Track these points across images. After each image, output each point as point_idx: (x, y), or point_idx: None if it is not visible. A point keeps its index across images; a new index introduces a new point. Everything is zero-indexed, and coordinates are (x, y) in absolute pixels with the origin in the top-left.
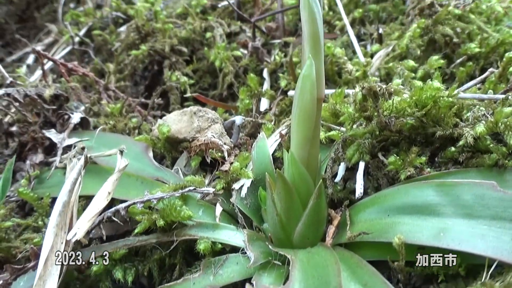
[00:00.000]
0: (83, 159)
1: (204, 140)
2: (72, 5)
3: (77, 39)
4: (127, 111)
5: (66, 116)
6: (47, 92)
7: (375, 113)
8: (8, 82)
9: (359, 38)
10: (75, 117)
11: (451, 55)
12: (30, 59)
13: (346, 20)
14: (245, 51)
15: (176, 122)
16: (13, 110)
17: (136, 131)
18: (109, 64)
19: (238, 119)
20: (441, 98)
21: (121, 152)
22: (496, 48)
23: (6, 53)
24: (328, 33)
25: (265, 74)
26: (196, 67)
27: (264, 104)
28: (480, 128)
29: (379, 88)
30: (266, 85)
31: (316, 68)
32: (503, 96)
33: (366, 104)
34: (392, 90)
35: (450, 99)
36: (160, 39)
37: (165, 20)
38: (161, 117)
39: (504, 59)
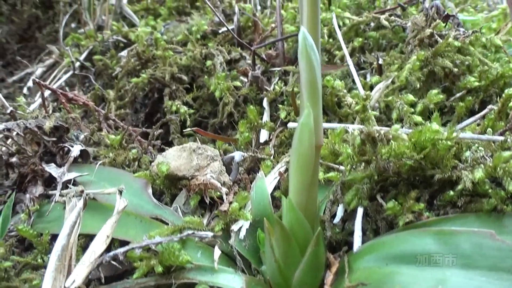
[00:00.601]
0: (82, 202)
1: (203, 180)
2: (73, 25)
3: (78, 63)
4: (127, 141)
5: (66, 149)
6: (47, 124)
7: (374, 157)
8: (8, 111)
9: (359, 66)
10: (75, 150)
11: (451, 86)
12: (31, 82)
13: (345, 51)
14: (245, 79)
15: (175, 158)
16: (13, 145)
17: (136, 163)
18: (110, 91)
19: (237, 156)
20: (440, 141)
21: (120, 192)
22: (495, 81)
23: (7, 73)
24: (327, 65)
25: (265, 103)
26: (196, 95)
27: (263, 135)
28: (479, 173)
29: (377, 134)
30: (266, 115)
31: (314, 117)
32: (502, 138)
33: (364, 148)
34: (391, 136)
35: (449, 142)
36: (160, 67)
37: (165, 46)
38: (160, 147)
39: (503, 95)
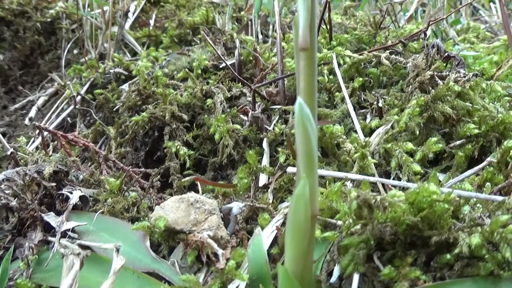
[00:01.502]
0: (79, 263)
1: (200, 238)
2: (75, 51)
3: (79, 97)
4: (126, 184)
5: (65, 195)
6: (47, 170)
7: (370, 222)
8: (8, 153)
9: (359, 105)
10: (74, 197)
11: (451, 130)
12: (33, 112)
13: (345, 93)
14: (245, 117)
15: (173, 210)
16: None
17: (135, 208)
18: (110, 128)
19: (235, 208)
20: (437, 203)
21: (117, 250)
22: (495, 127)
23: (9, 99)
24: (322, 120)
25: (265, 144)
26: (196, 133)
27: (262, 179)
28: (476, 239)
29: (373, 200)
30: (266, 158)
31: (310, 187)
32: (500, 198)
33: (361, 212)
34: (387, 203)
35: (446, 205)
36: (160, 105)
37: (166, 83)
38: (160, 189)
39: (503, 147)
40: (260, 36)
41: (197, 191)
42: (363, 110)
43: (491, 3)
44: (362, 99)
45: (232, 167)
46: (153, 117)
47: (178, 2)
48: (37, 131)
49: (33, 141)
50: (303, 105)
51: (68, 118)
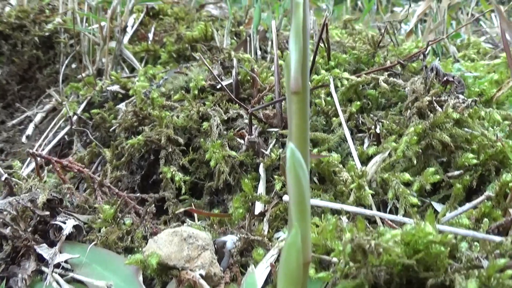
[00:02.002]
0: None
1: (192, 277)
2: (74, 65)
3: (75, 117)
4: (121, 210)
5: (58, 226)
6: (40, 199)
7: (364, 265)
8: (3, 178)
9: (357, 128)
10: (68, 227)
11: (449, 157)
12: (30, 129)
13: (342, 119)
14: (242, 141)
15: (166, 244)
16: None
17: (129, 237)
18: (106, 151)
19: (229, 243)
20: (433, 244)
21: None
22: (494, 156)
23: (7, 114)
24: (315, 154)
25: (261, 170)
26: (192, 157)
27: (258, 207)
28: (472, 284)
29: (368, 245)
30: (262, 184)
31: (302, 235)
32: (498, 239)
33: (355, 255)
34: (381, 249)
35: (442, 248)
36: (156, 128)
37: (163, 104)
38: (155, 213)
39: (501, 180)
40: (259, 52)
41: (192, 217)
42: (360, 134)
43: (492, 13)
44: (360, 122)
45: (228, 191)
46: (149, 141)
47: (177, 15)
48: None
49: (29, 163)
50: (295, 151)
51: (66, 136)
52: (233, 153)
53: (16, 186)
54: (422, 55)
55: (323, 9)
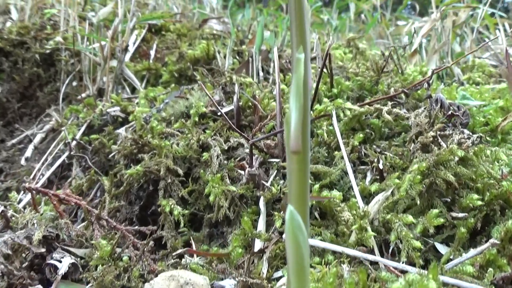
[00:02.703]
0: None
1: None
2: (74, 83)
3: (74, 142)
4: (119, 245)
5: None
6: (36, 236)
7: None
8: None
9: (360, 160)
10: (63, 266)
11: (453, 196)
12: (29, 151)
13: (344, 154)
14: (243, 172)
15: None
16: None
17: (126, 276)
18: (105, 180)
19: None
20: None
21: None
22: (500, 196)
23: (7, 132)
24: (314, 197)
25: (261, 204)
26: (192, 188)
27: (258, 245)
28: None
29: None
30: (262, 219)
31: None
32: None
33: None
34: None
35: None
36: (155, 158)
37: (162, 130)
38: (154, 246)
39: (505, 228)
40: (261, 74)
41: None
42: (363, 167)
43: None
44: (363, 153)
45: (228, 224)
46: (148, 171)
47: (180, 31)
48: (36, 181)
49: (26, 192)
50: (294, 214)
51: (66, 159)
52: (233, 188)
53: (13, 218)
54: (426, 84)
55: (325, 22)
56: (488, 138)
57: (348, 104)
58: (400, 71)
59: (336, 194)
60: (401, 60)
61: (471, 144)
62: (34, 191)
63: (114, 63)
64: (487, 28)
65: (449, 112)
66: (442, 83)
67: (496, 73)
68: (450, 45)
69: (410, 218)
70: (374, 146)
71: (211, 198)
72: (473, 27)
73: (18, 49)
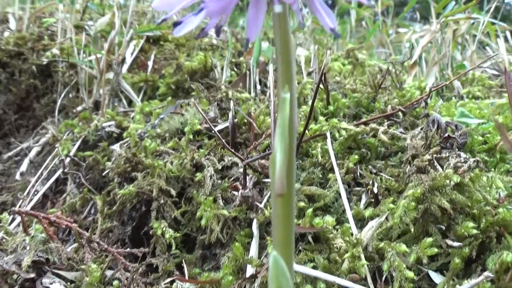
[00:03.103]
0: None
1: None
2: (71, 94)
3: (68, 159)
4: (110, 268)
5: None
6: (25, 261)
7: None
8: None
9: (355, 180)
10: None
11: (448, 222)
12: (25, 165)
13: (338, 177)
14: (236, 192)
15: None
16: None
17: None
18: (98, 199)
19: None
20: None
21: None
22: (496, 223)
23: (4, 144)
24: (300, 227)
25: (254, 227)
26: (185, 209)
27: (249, 270)
28: None
29: None
30: (255, 243)
31: None
32: None
33: None
34: None
35: None
36: (148, 179)
37: (156, 149)
38: (145, 268)
39: (499, 261)
40: (259, 87)
41: (183, 273)
42: (358, 188)
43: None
44: (358, 174)
45: (221, 245)
46: (141, 192)
47: (178, 41)
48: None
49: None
50: (278, 259)
51: (60, 174)
52: (225, 212)
53: (4, 240)
54: (424, 102)
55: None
56: (486, 158)
57: (344, 124)
58: (398, 86)
59: (329, 220)
60: (399, 76)
61: (467, 169)
62: (24, 214)
63: (110, 75)
64: (488, 34)
65: (446, 134)
66: (441, 99)
67: (495, 85)
68: (450, 57)
69: (403, 247)
70: (370, 167)
71: (203, 222)
72: (474, 35)
73: (15, 60)
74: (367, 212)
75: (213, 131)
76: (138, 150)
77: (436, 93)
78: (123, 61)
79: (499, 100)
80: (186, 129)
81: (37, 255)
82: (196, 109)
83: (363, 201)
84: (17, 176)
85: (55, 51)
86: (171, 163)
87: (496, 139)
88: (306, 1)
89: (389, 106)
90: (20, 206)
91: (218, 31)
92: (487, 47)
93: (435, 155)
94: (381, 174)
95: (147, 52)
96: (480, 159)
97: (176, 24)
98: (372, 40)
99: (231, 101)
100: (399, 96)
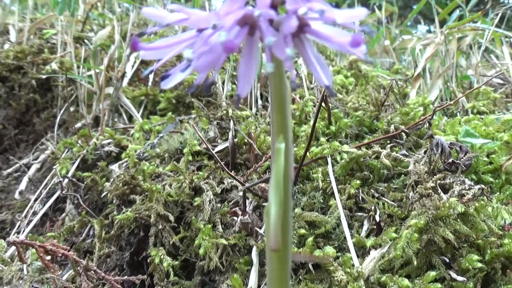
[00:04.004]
0: None
1: None
2: (72, 108)
3: (66, 180)
4: None
5: None
6: None
7: None
8: None
9: (357, 205)
10: None
11: (452, 252)
12: (24, 183)
13: (339, 205)
14: (236, 217)
15: None
16: None
17: None
18: (95, 224)
19: None
20: None
21: None
22: (501, 254)
23: (3, 160)
24: (298, 254)
25: (254, 255)
26: (183, 235)
27: None
28: None
29: None
30: (254, 271)
31: None
32: None
33: None
34: None
35: None
36: (146, 203)
37: (154, 171)
38: None
39: None
40: (260, 102)
41: None
42: (360, 214)
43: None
44: (360, 198)
45: (220, 272)
46: (139, 217)
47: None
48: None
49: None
50: None
51: (60, 192)
52: (223, 241)
53: (0, 270)
54: (427, 124)
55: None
56: (491, 179)
57: (346, 147)
58: (401, 103)
59: (330, 251)
60: (402, 89)
61: (472, 197)
62: (19, 245)
63: (110, 90)
64: (493, 40)
65: (450, 160)
66: (445, 115)
67: (500, 97)
68: (455, 68)
69: (406, 282)
70: (372, 190)
71: (201, 251)
72: (479, 41)
73: (15, 74)
74: (369, 242)
75: (215, 150)
76: (137, 172)
77: (439, 115)
78: (122, 76)
79: (505, 116)
80: (185, 150)
81: (32, 286)
82: (198, 124)
83: (365, 227)
84: (16, 195)
85: (54, 66)
86: (170, 185)
87: (502, 159)
88: (305, 61)
89: (392, 126)
90: (18, 228)
91: (208, 87)
92: (491, 55)
93: (438, 181)
94: (383, 198)
95: (148, 64)
96: (484, 187)
97: (163, 77)
98: (376, 47)
99: (231, 122)
100: (402, 114)
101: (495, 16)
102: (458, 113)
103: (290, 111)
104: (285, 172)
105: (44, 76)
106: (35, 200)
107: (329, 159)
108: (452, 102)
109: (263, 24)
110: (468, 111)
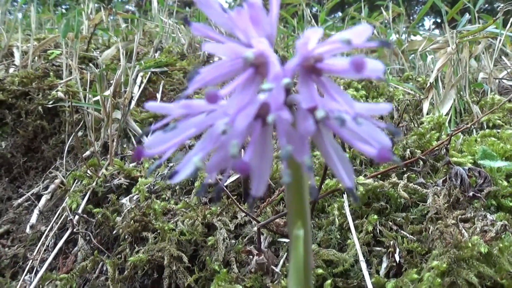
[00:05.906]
0: None
1: None
2: (80, 133)
3: (76, 217)
4: None
5: None
6: None
7: None
8: None
9: (375, 238)
10: None
11: None
12: (34, 217)
13: (357, 244)
14: (251, 256)
15: None
16: None
17: None
18: (108, 265)
19: None
20: None
21: None
22: None
23: (13, 188)
24: None
25: None
26: (198, 275)
27: None
28: None
29: None
30: None
31: None
32: None
33: None
34: None
35: None
36: (159, 244)
37: (165, 207)
38: None
39: None
40: None
41: None
42: (378, 248)
43: None
44: (378, 230)
45: None
46: (152, 259)
47: (186, 69)
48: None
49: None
50: None
51: (71, 230)
52: (239, 287)
53: None
54: (445, 150)
55: None
56: (511, 204)
57: (361, 179)
58: (416, 123)
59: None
60: (415, 106)
61: (494, 234)
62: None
63: (118, 115)
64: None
65: (471, 193)
66: (461, 135)
67: None
68: (467, 78)
69: None
70: (390, 223)
71: None
72: (491, 43)
73: (21, 101)
74: (390, 285)
75: (225, 184)
76: (148, 208)
77: (454, 113)
78: (129, 102)
79: None
80: (196, 184)
81: None
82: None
83: (384, 264)
84: (27, 230)
85: (60, 94)
86: (182, 222)
87: None
88: (323, 155)
89: (408, 151)
90: (32, 264)
91: (219, 195)
92: (503, 57)
93: (459, 217)
94: (402, 232)
95: (155, 82)
96: (507, 223)
97: (172, 175)
98: (385, 50)
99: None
100: (418, 135)
101: (502, 16)
102: (474, 130)
103: (308, 194)
104: (305, 260)
105: (50, 103)
106: (47, 234)
107: (344, 195)
108: (469, 125)
109: (279, 128)
110: (483, 125)
